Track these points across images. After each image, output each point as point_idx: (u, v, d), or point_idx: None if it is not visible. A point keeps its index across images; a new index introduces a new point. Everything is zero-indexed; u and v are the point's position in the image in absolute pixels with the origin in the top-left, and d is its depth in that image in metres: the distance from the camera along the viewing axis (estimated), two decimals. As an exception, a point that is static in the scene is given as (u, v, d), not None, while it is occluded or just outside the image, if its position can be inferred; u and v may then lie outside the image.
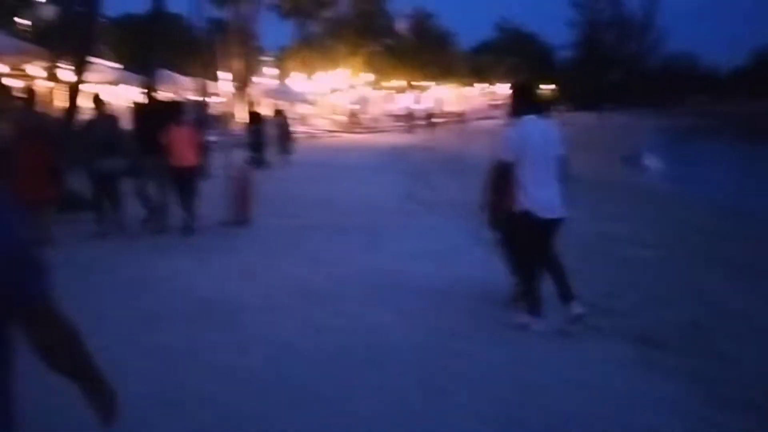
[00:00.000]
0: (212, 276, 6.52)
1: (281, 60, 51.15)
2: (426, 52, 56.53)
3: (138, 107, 10.68)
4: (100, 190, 8.27)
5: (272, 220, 9.67)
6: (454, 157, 23.27)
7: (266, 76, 46.59)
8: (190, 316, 5.24)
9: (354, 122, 42.25)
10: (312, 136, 34.20)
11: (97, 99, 8.75)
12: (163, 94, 19.52)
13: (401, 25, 59.69)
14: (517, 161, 4.91)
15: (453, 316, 5.38)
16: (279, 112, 21.06)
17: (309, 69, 49.13)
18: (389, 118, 48.23)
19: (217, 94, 34.20)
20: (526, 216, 4.92)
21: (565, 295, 4.98)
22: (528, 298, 5.08)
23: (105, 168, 8.07)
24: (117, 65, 23.67)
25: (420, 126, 42.05)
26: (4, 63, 15.14)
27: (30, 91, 8.16)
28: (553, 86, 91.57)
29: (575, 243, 8.51)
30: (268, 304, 5.61)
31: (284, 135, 19.66)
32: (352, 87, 46.85)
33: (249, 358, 4.48)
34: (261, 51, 45.67)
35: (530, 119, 5.03)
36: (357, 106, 44.65)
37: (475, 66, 71.36)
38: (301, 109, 40.61)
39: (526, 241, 5.08)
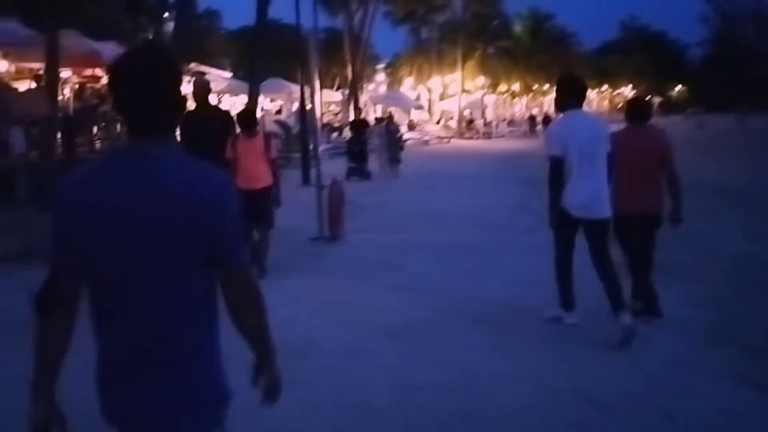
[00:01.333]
0: (284, 306, 5.60)
1: (394, 66, 50.86)
2: (544, 53, 54.15)
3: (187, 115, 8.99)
4: None
5: (368, 236, 8.78)
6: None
7: (378, 83, 46.43)
8: (245, 361, 4.35)
9: (467, 128, 40.95)
10: (422, 142, 33.33)
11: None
12: (265, 103, 19.35)
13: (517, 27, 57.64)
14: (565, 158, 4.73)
15: (582, 366, 4.18)
16: (388, 119, 19.98)
17: (421, 75, 48.47)
18: (505, 123, 46.51)
19: (328, 103, 34.27)
20: (562, 214, 4.82)
21: (615, 305, 4.66)
22: (559, 292, 5.06)
23: None
24: (227, 74, 23.96)
25: (539, 131, 40.13)
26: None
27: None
28: (681, 87, 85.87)
29: (725, 268, 7.08)
30: (346, 347, 4.64)
31: (393, 143, 18.05)
32: (466, 92, 45.55)
33: (314, 423, 3.54)
34: (374, 58, 45.57)
35: (575, 114, 4.85)
36: (470, 111, 43.27)
37: (599, 67, 67.74)
38: (412, 115, 39.93)
39: (561, 238, 4.97)
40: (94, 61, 13.30)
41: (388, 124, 18.72)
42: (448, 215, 10.81)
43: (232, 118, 6.80)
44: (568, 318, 5.03)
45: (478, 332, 5.01)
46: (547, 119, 35.22)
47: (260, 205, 6.35)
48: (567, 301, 5.05)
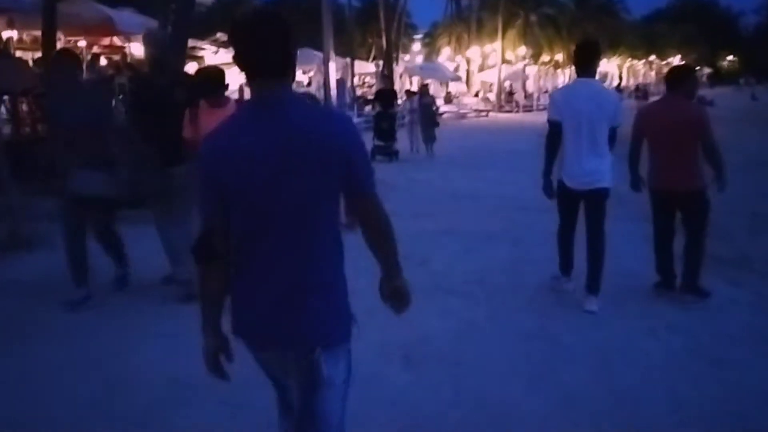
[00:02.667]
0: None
1: (431, 36, 49.31)
2: (589, 21, 51.75)
3: (138, 82, 6.73)
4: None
5: (392, 222, 7.83)
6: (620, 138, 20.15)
7: (414, 54, 45.08)
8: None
9: (507, 100, 39.39)
10: (459, 116, 32.06)
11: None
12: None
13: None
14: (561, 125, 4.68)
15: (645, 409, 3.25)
16: (422, 90, 17.81)
17: (460, 45, 46.88)
18: (547, 95, 44.67)
19: (362, 74, 33.17)
20: (559, 184, 4.83)
21: (589, 286, 4.80)
22: (559, 258, 5.17)
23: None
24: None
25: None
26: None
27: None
28: (732, 57, 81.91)
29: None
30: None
31: (427, 118, 15.68)
32: (506, 62, 43.81)
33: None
34: (411, 28, 44.18)
35: (581, 82, 4.74)
36: (510, 83, 41.63)
37: (647, 36, 64.81)
38: (450, 87, 38.56)
39: (561, 209, 4.98)
40: (108, 29, 12.57)
41: (422, 96, 16.79)
42: (482, 197, 9.82)
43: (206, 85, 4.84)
44: (565, 283, 5.19)
45: (513, 353, 4.12)
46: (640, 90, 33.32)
47: None
48: (565, 266, 5.18)
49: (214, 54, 23.62)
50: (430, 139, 15.35)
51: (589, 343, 4.28)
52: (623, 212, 5.32)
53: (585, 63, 4.70)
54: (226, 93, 4.97)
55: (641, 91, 32.52)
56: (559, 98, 4.88)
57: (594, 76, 4.75)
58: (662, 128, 4.76)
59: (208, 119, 4.22)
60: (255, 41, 1.83)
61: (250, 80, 1.87)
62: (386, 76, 27.31)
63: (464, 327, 4.56)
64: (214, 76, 4.85)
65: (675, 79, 4.86)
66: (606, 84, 46.78)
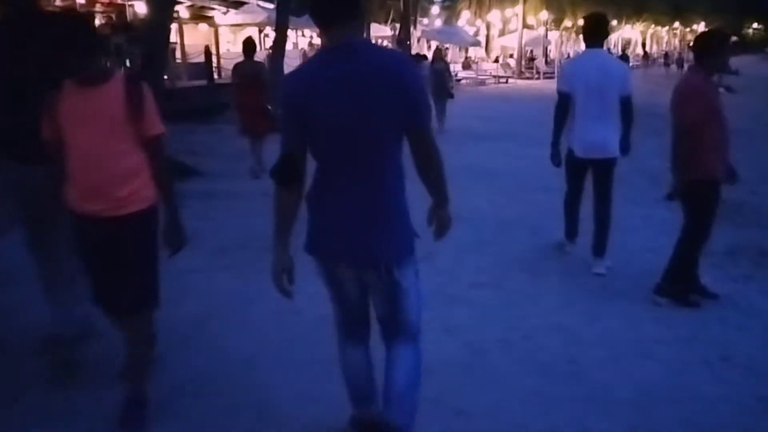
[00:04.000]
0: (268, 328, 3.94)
1: (452, 0, 47.56)
2: (614, -14, 49.56)
3: None
4: None
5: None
6: (645, 107, 18.87)
7: (434, 17, 43.55)
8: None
9: (528, 66, 37.88)
10: (478, 82, 30.80)
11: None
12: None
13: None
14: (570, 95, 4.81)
15: None
16: (437, 56, 15.36)
17: (480, 8, 45.19)
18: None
19: (378, 38, 31.88)
20: (568, 152, 4.96)
21: (595, 249, 4.95)
22: (565, 224, 5.34)
23: None
24: (269, 5, 22.01)
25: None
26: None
27: (249, 42, 8.56)
28: (758, 25, 78.86)
29: None
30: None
31: (440, 87, 13.46)
32: (528, 27, 42.09)
33: None
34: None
35: (590, 53, 4.84)
36: (531, 49, 40.03)
37: (672, 2, 62.32)
38: (469, 52, 37.15)
39: (569, 177, 5.14)
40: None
41: (434, 62, 14.54)
42: (499, 174, 8.87)
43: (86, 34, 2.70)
44: (568, 246, 5.34)
45: (533, 398, 3.22)
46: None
47: (117, 258, 2.71)
48: (570, 231, 5.34)
49: (224, 15, 22.60)
50: (439, 112, 13.20)
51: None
52: (661, 195, 4.41)
53: (593, 34, 4.83)
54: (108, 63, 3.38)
55: (670, 58, 30.93)
56: (568, 69, 5.14)
57: (602, 47, 4.97)
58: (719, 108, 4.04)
59: (75, 107, 2.59)
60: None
61: (325, 30, 2.13)
62: (402, 41, 26.03)
63: (471, 356, 3.66)
64: (76, 24, 2.70)
65: (704, 47, 4.09)
66: (629, 51, 45.05)
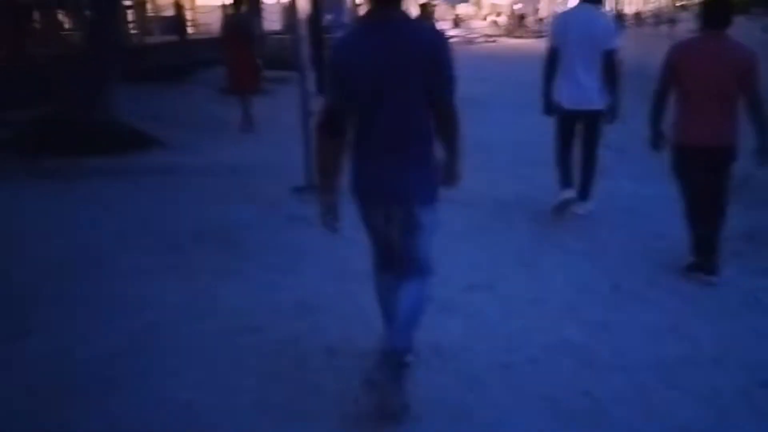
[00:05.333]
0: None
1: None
2: (609, -60, 48.28)
3: None
4: None
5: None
6: (638, 69, 18.10)
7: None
8: None
9: (518, 25, 36.83)
10: (467, 41, 29.80)
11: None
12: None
13: None
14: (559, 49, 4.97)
15: None
16: (424, 13, 14.31)
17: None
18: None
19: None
20: (557, 106, 5.10)
21: (581, 194, 5.19)
22: (558, 175, 5.19)
23: None
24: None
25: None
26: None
27: None
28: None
29: None
30: None
31: None
32: (519, -17, 40.87)
33: None
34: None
35: (577, 8, 5.05)
36: (521, 6, 38.93)
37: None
38: (458, 9, 36.00)
39: (559, 129, 5.22)
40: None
41: (422, 17, 13.45)
42: (492, 147, 8.16)
43: None
44: (565, 193, 5.17)
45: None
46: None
47: None
48: (564, 182, 5.21)
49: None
50: None
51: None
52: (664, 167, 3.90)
53: None
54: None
55: (661, 18, 30.16)
56: (557, 22, 5.34)
57: (595, 2, 5.01)
58: (701, 71, 3.94)
59: None
60: None
61: (374, 6, 2.56)
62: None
63: (465, 390, 3.03)
64: None
65: (713, 12, 4.06)
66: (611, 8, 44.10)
